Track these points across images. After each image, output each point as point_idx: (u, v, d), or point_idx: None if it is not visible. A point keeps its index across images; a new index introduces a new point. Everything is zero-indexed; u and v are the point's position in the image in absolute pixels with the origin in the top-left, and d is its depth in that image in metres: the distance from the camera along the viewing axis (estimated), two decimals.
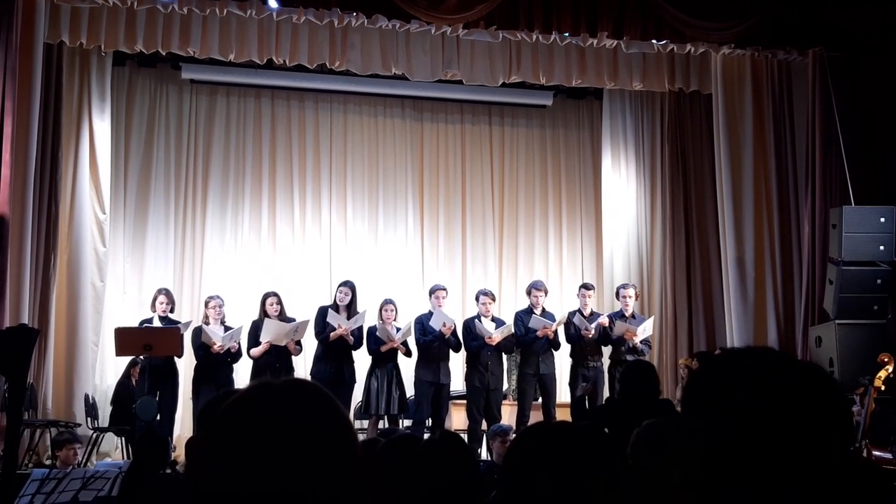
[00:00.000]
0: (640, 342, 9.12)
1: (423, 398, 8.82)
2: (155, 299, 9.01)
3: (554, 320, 9.14)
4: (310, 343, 9.04)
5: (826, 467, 1.24)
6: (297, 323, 8.80)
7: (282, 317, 8.88)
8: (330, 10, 9.07)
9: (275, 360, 8.72)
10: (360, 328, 8.83)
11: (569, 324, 9.19)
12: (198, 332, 8.78)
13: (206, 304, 9.03)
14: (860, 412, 6.86)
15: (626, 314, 9.37)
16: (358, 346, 8.86)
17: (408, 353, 8.98)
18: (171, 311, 9.06)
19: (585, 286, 9.65)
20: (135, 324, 9.06)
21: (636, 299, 9.71)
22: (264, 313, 8.85)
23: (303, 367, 9.49)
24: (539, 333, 8.92)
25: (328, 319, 8.69)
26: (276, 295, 8.95)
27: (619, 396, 7.36)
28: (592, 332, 9.03)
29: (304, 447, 1.18)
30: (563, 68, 10.35)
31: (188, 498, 1.20)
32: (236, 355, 8.79)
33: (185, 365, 9.56)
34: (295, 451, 1.17)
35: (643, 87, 10.85)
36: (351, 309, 8.93)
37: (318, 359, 8.85)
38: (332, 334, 8.65)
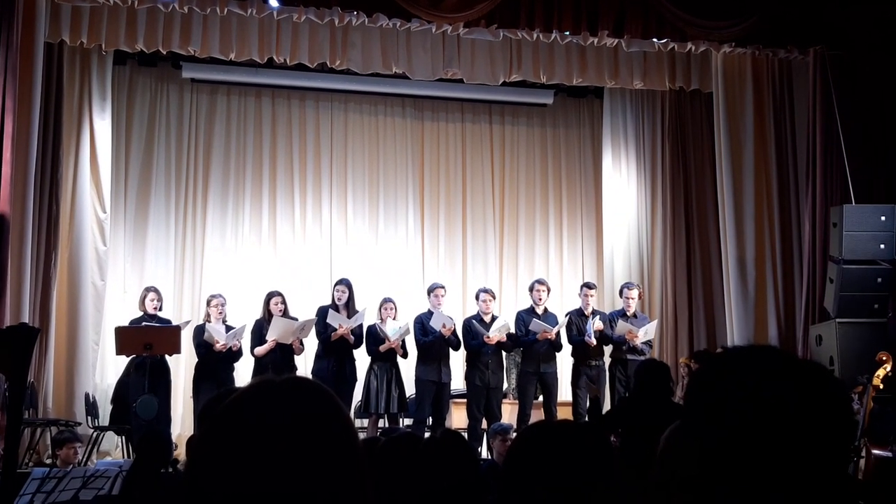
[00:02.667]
0: (642, 343, 9.13)
1: (425, 397, 8.82)
2: (144, 298, 8.99)
3: (556, 320, 9.14)
4: (310, 342, 9.06)
5: (828, 467, 1.24)
6: (303, 321, 8.81)
7: (285, 317, 8.88)
8: (330, 8, 9.07)
9: (278, 359, 8.72)
10: (361, 326, 8.85)
11: (570, 325, 9.19)
12: (199, 330, 8.79)
13: (209, 302, 9.03)
14: (859, 411, 6.87)
15: (629, 313, 9.37)
16: (359, 344, 8.88)
17: (404, 355, 8.98)
18: (160, 308, 9.06)
19: (587, 285, 9.64)
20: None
21: (639, 299, 9.69)
22: (268, 312, 8.85)
23: (303, 366, 9.50)
24: (539, 337, 8.92)
25: (328, 320, 8.70)
26: (280, 294, 8.96)
27: (631, 396, 7.32)
28: (594, 342, 9.06)
29: (305, 446, 1.18)
30: (563, 67, 10.35)
31: (188, 497, 1.20)
32: (237, 354, 8.80)
33: (185, 363, 9.57)
34: (295, 450, 1.17)
35: (644, 86, 10.85)
36: (350, 307, 8.95)
37: (319, 357, 8.87)
38: (333, 335, 8.66)
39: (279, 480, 1.15)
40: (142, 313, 8.93)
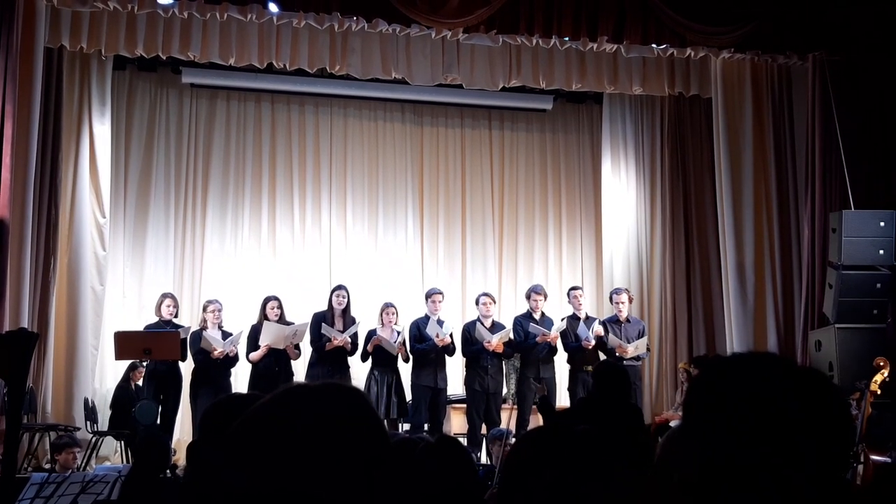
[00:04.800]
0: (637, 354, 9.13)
1: (421, 402, 8.82)
2: (160, 304, 8.98)
3: (552, 325, 9.13)
4: (306, 348, 9.07)
5: (827, 471, 1.25)
6: (296, 326, 8.80)
7: (281, 321, 8.88)
8: (330, 14, 9.08)
9: (274, 364, 8.73)
10: (356, 335, 8.88)
11: (566, 332, 9.18)
12: (196, 337, 8.78)
13: (205, 308, 9.03)
14: (857, 416, 6.86)
15: (621, 318, 9.36)
16: (354, 351, 8.91)
17: (406, 359, 9.00)
18: (176, 315, 9.06)
19: (573, 288, 9.67)
20: (135, 328, 9.05)
21: (630, 303, 9.69)
22: (264, 317, 8.86)
23: (303, 371, 9.50)
24: (538, 339, 8.91)
25: (323, 331, 8.71)
26: (276, 299, 8.97)
27: (590, 397, 7.40)
28: (593, 342, 9.04)
29: (342, 445, 1.18)
30: (563, 72, 10.36)
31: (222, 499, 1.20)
32: (234, 360, 8.81)
33: (183, 369, 9.57)
34: (332, 451, 1.17)
35: (643, 92, 10.85)
36: (346, 313, 8.96)
37: (314, 364, 8.87)
38: (328, 345, 8.68)
39: (320, 484, 1.16)
40: (157, 319, 8.94)
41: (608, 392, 5.67)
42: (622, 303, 9.41)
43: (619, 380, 5.78)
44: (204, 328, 8.86)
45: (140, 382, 9.02)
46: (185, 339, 8.72)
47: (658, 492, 1.45)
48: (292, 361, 8.95)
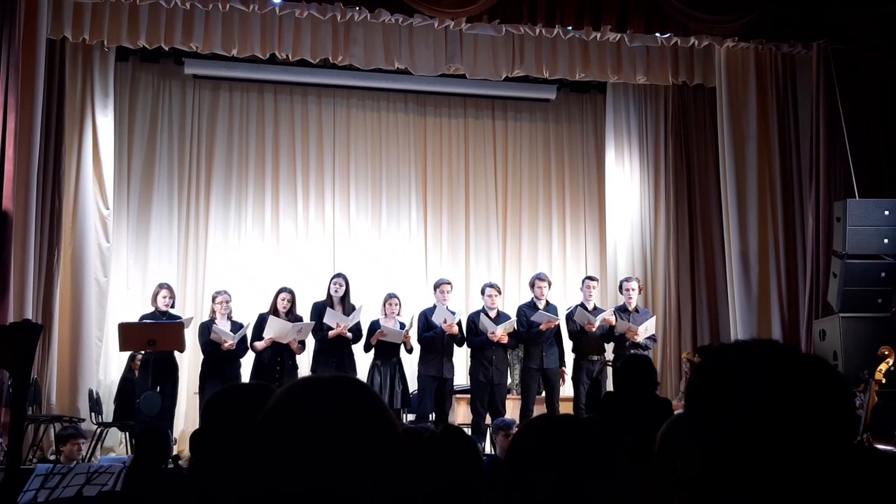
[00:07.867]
0: (645, 339, 9.11)
1: (427, 393, 8.83)
2: (156, 294, 9.00)
3: (557, 313, 9.13)
4: (310, 344, 9.08)
5: (830, 461, 1.24)
6: (301, 324, 8.81)
7: (291, 314, 8.89)
8: (332, 4, 9.07)
9: (277, 355, 8.74)
10: (358, 323, 8.87)
11: (570, 319, 9.17)
12: (205, 328, 8.80)
13: (214, 298, 9.03)
14: (861, 406, 6.85)
15: (630, 308, 9.35)
16: (357, 339, 8.91)
17: (409, 350, 9.00)
18: (172, 305, 9.07)
19: (590, 278, 9.65)
20: (136, 319, 9.06)
21: (640, 293, 9.68)
22: (274, 307, 8.87)
23: (305, 364, 9.51)
24: (542, 327, 8.91)
25: (325, 320, 8.71)
26: (290, 291, 8.97)
27: (615, 391, 7.36)
28: (596, 325, 9.00)
29: (355, 438, 1.18)
30: (566, 62, 10.34)
31: (235, 490, 1.21)
32: (243, 350, 8.81)
33: (188, 360, 9.58)
34: (344, 443, 1.17)
35: (647, 81, 10.82)
36: (345, 301, 8.97)
37: (318, 353, 8.87)
38: (330, 333, 8.68)
39: (327, 473, 1.16)
40: (153, 309, 8.94)
41: (633, 387, 5.56)
42: (632, 290, 9.39)
43: (641, 371, 5.66)
44: (213, 319, 8.87)
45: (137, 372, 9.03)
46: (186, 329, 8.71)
47: (659, 482, 1.45)
48: (297, 355, 8.97)
